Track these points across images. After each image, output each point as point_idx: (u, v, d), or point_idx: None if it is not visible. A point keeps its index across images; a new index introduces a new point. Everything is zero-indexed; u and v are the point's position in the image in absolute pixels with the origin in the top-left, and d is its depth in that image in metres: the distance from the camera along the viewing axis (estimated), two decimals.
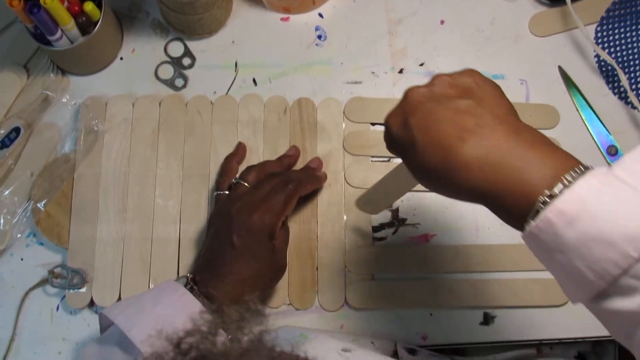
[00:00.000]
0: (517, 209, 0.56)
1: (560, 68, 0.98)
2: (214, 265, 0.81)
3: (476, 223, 0.93)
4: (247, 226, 0.81)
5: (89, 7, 0.91)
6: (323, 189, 0.94)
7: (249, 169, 0.89)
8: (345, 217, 0.93)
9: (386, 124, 0.65)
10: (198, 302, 0.76)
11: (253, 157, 0.95)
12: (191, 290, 0.78)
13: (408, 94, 0.64)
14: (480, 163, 0.57)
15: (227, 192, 0.88)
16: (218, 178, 0.91)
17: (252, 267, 0.81)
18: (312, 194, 0.93)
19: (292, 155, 0.94)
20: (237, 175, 0.89)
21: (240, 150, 0.94)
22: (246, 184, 0.87)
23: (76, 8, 0.91)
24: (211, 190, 0.94)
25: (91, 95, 0.97)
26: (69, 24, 0.90)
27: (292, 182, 0.85)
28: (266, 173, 0.88)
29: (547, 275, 0.87)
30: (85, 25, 0.93)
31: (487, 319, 0.90)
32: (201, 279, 0.80)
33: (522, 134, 0.58)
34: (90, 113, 0.96)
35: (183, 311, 0.74)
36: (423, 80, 0.97)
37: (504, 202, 0.57)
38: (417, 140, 0.60)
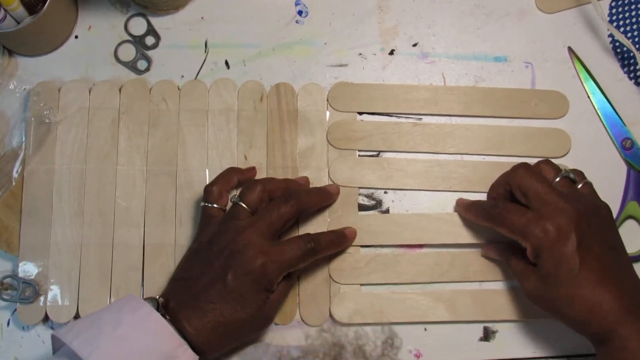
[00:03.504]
0: None
1: (570, 49, 0.90)
2: (196, 296, 0.73)
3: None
4: (248, 269, 0.72)
5: None
6: None
7: (252, 186, 0.79)
8: (329, 220, 0.85)
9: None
10: (165, 322, 0.69)
11: (226, 152, 0.86)
12: (163, 316, 0.70)
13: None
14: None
15: (216, 206, 0.79)
16: (209, 185, 0.81)
17: (236, 313, 0.72)
18: None
19: (302, 185, 0.84)
20: (237, 193, 0.79)
21: (248, 172, 0.84)
22: (247, 208, 0.77)
23: None
24: (179, 188, 0.85)
25: (42, 81, 0.89)
26: (13, 4, 0.82)
27: (316, 242, 0.77)
28: (270, 194, 0.79)
29: None
30: (33, 4, 0.84)
31: (488, 334, 0.82)
32: (176, 306, 0.72)
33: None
34: (42, 102, 0.87)
35: (148, 333, 0.68)
36: (416, 62, 0.89)
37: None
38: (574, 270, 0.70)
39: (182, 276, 0.76)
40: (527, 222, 0.72)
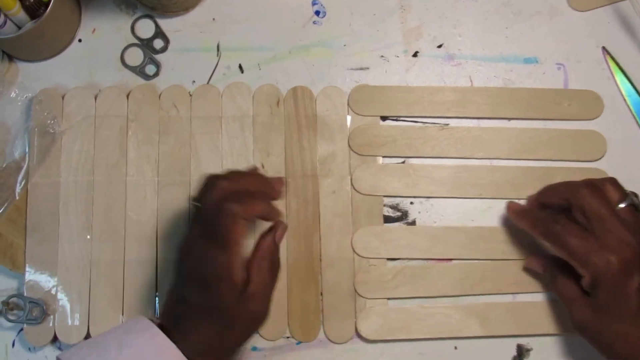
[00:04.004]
0: None
1: (604, 49, 0.86)
2: (175, 318, 0.68)
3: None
4: (195, 275, 0.67)
5: None
6: (326, 197, 0.81)
7: (212, 182, 0.69)
8: (353, 231, 0.80)
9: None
10: (172, 343, 0.64)
11: (242, 160, 0.82)
12: None
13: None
14: None
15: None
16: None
17: (215, 325, 0.67)
18: (313, 203, 0.80)
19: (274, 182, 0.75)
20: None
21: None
22: (200, 206, 0.69)
23: None
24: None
25: (45, 88, 0.84)
26: (14, 8, 0.78)
27: (230, 198, 0.67)
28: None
29: None
30: (34, 7, 0.80)
31: (522, 353, 0.78)
32: (168, 325, 0.67)
33: None
34: (45, 110, 0.83)
35: (155, 355, 0.64)
36: (441, 65, 0.85)
37: None
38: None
39: (171, 289, 0.71)
40: (589, 250, 0.68)
